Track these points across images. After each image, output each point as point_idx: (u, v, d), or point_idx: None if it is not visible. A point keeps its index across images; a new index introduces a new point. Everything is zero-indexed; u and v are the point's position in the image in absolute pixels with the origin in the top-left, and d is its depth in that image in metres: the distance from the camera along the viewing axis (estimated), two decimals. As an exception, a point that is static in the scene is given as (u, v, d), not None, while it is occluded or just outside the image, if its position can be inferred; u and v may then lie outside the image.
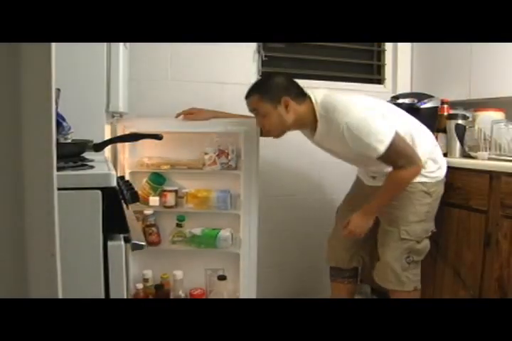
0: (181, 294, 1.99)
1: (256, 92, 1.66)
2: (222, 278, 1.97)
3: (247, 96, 1.69)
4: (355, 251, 1.87)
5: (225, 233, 1.98)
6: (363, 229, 1.68)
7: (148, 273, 1.98)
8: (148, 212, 1.98)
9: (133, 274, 1.99)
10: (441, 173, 1.71)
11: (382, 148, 1.52)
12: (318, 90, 1.69)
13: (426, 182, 1.66)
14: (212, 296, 2.00)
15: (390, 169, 1.63)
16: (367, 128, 1.52)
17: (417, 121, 1.75)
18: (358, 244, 1.85)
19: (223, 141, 1.96)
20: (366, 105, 1.60)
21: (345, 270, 1.90)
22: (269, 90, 1.65)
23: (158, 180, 2.01)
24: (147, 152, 2.01)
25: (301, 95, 1.66)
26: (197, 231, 1.99)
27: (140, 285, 1.96)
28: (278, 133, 1.72)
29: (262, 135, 1.83)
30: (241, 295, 1.99)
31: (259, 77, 1.70)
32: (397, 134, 1.55)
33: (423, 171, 1.65)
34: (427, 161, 1.66)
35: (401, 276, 1.67)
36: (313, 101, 1.64)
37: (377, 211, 1.68)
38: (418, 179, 1.64)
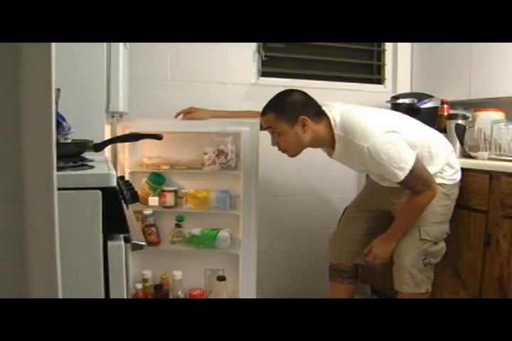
0: (180, 294, 1.99)
1: (272, 111, 1.61)
2: (221, 278, 1.97)
3: (263, 114, 1.64)
4: (360, 248, 1.86)
5: (224, 233, 1.98)
6: (387, 254, 1.70)
7: (148, 273, 1.98)
8: (147, 212, 1.98)
9: (132, 274, 1.99)
10: (458, 176, 1.72)
11: (402, 175, 1.53)
12: (334, 107, 1.65)
13: (445, 184, 1.66)
14: (211, 297, 2.00)
15: None
16: (389, 155, 1.52)
17: (431, 129, 1.75)
18: (362, 241, 1.85)
19: (223, 141, 1.96)
20: (385, 128, 1.56)
21: (345, 271, 1.88)
22: (286, 109, 1.60)
23: (157, 180, 2.01)
24: (147, 152, 2.01)
25: (319, 113, 1.62)
26: (196, 231, 1.99)
27: (139, 286, 1.96)
28: (294, 153, 1.68)
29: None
30: (240, 296, 1.99)
31: (277, 94, 1.66)
32: (417, 160, 1.55)
33: (443, 175, 1.66)
34: (444, 167, 1.67)
35: (417, 278, 1.66)
36: (332, 120, 1.60)
37: (400, 236, 1.68)
38: (438, 181, 1.64)
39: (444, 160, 1.67)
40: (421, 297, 1.67)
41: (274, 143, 1.66)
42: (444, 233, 1.70)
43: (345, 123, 1.58)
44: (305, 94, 1.65)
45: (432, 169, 1.62)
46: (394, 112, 1.78)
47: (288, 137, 1.61)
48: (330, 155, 1.73)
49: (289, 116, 1.59)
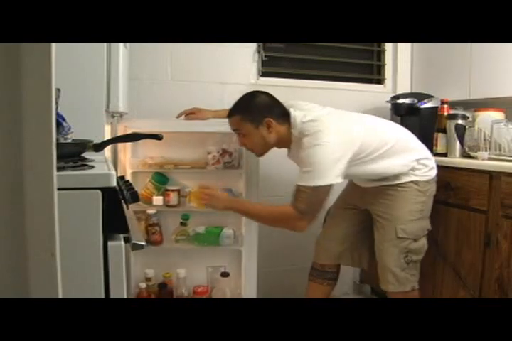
0: (184, 292, 2.01)
1: (238, 112, 1.62)
2: (225, 274, 2.00)
3: (229, 116, 1.65)
4: (347, 248, 1.86)
5: (228, 230, 2.01)
6: (210, 204, 1.70)
7: (151, 273, 1.99)
8: (151, 211, 1.99)
9: (136, 274, 2.00)
10: (433, 173, 1.71)
11: (305, 182, 1.51)
12: (306, 109, 1.64)
13: (418, 181, 1.66)
14: (214, 293, 2.02)
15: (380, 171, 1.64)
16: (315, 159, 1.49)
17: (406, 130, 1.75)
18: (348, 241, 1.85)
19: (226, 140, 1.97)
20: (340, 137, 1.53)
21: (328, 271, 1.87)
22: (252, 111, 1.60)
23: (161, 179, 2.02)
24: (150, 152, 2.01)
25: (284, 115, 1.62)
26: (201, 229, 2.01)
27: (143, 285, 1.97)
28: (260, 153, 1.70)
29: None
30: (243, 292, 2.03)
31: (243, 96, 1.65)
32: (330, 187, 1.52)
33: (415, 172, 1.66)
34: (415, 165, 1.66)
35: (399, 276, 1.66)
36: (292, 119, 1.60)
37: (232, 209, 1.68)
38: (411, 178, 1.65)
39: (412, 157, 1.66)
40: (408, 295, 1.67)
41: (241, 143, 1.69)
42: (425, 229, 1.70)
43: (305, 126, 1.57)
44: (270, 95, 1.65)
45: (396, 161, 1.63)
46: (364, 117, 1.74)
47: (253, 138, 1.62)
48: (288, 154, 1.75)
49: (254, 117, 1.60)
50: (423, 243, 1.70)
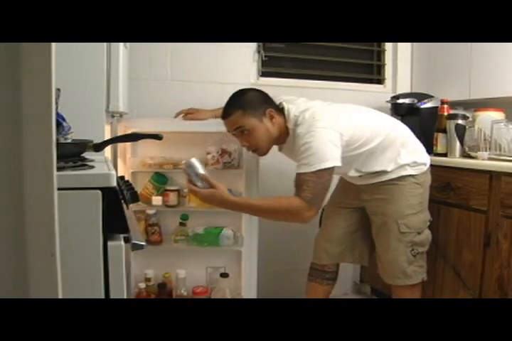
0: (184, 292, 2.01)
1: (238, 109, 1.56)
2: (224, 275, 1.99)
3: (228, 114, 1.59)
4: (346, 247, 1.85)
5: (227, 231, 2.00)
6: (201, 202, 1.62)
7: (150, 273, 1.99)
8: (150, 211, 1.99)
9: (135, 274, 2.00)
10: (427, 163, 1.70)
11: (305, 169, 1.47)
12: (294, 102, 1.64)
13: (415, 175, 1.65)
14: (214, 293, 2.02)
15: (372, 168, 1.63)
16: (313, 144, 1.47)
17: (400, 123, 1.74)
18: (345, 239, 1.84)
19: (226, 140, 1.96)
20: (333, 126, 1.51)
21: (327, 271, 1.87)
22: (251, 104, 1.57)
23: (160, 179, 2.02)
24: (150, 152, 2.01)
25: (278, 108, 1.62)
26: (200, 229, 2.00)
27: (143, 285, 1.97)
28: (266, 149, 1.65)
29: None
30: (243, 292, 2.02)
31: (233, 94, 1.63)
32: (330, 171, 1.48)
33: (411, 165, 1.64)
34: (411, 159, 1.65)
35: (407, 270, 1.65)
36: (286, 113, 1.60)
37: (231, 208, 1.57)
38: (408, 172, 1.63)
39: (405, 150, 1.64)
40: (415, 288, 1.67)
41: (244, 143, 1.64)
42: (426, 221, 1.69)
43: (298, 117, 1.56)
44: (260, 90, 1.65)
45: (390, 154, 1.61)
46: (356, 108, 1.71)
47: (259, 132, 1.59)
48: (280, 149, 1.73)
49: (256, 110, 1.57)
50: (427, 234, 1.69)
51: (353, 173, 1.67)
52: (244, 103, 1.58)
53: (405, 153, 1.64)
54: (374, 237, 1.74)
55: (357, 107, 1.72)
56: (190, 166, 1.52)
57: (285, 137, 1.64)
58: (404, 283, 1.66)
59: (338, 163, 1.49)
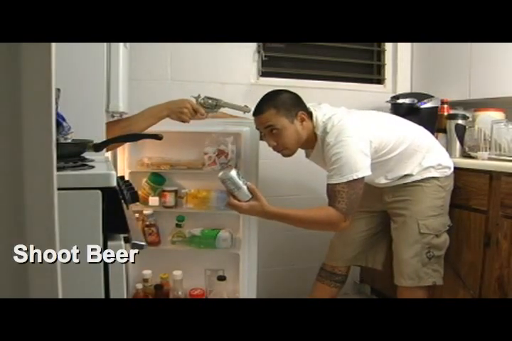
0: (181, 294, 1.99)
1: (271, 107, 1.58)
2: (221, 278, 1.97)
3: (261, 112, 1.60)
4: (362, 250, 1.86)
5: (224, 233, 1.98)
6: (240, 213, 1.63)
7: (148, 274, 1.98)
8: (147, 212, 1.98)
9: (132, 274, 1.99)
10: (451, 169, 1.72)
11: (338, 179, 1.49)
12: (320, 107, 1.66)
13: (439, 177, 1.67)
14: (211, 296, 2.00)
15: (399, 172, 1.64)
16: (344, 154, 1.49)
17: (422, 128, 1.76)
18: (363, 244, 1.85)
19: (223, 140, 1.96)
20: (361, 135, 1.53)
21: (337, 274, 1.87)
22: (285, 104, 1.59)
23: (157, 180, 2.01)
24: (147, 152, 2.01)
25: (308, 112, 1.64)
26: (196, 231, 1.98)
27: (140, 286, 1.96)
28: (292, 150, 1.66)
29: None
30: (241, 296, 1.99)
31: (268, 93, 1.64)
32: (361, 182, 1.50)
33: (436, 168, 1.66)
34: (435, 162, 1.67)
35: (420, 271, 1.64)
36: (314, 119, 1.62)
37: (270, 218, 1.57)
38: (432, 174, 1.65)
39: (430, 155, 1.67)
40: (424, 290, 1.67)
41: (272, 142, 1.64)
42: (445, 225, 1.69)
43: (326, 124, 1.58)
44: (294, 93, 1.66)
45: (416, 159, 1.64)
46: (381, 115, 1.75)
47: (288, 133, 1.60)
48: (308, 155, 1.74)
49: (288, 111, 1.59)
50: (445, 238, 1.69)
51: (381, 180, 1.69)
52: (278, 103, 1.60)
53: (430, 156, 1.66)
54: (393, 236, 1.74)
55: (380, 114, 1.75)
56: (230, 178, 1.51)
57: (313, 142, 1.65)
58: (413, 285, 1.66)
59: (368, 173, 1.51)
